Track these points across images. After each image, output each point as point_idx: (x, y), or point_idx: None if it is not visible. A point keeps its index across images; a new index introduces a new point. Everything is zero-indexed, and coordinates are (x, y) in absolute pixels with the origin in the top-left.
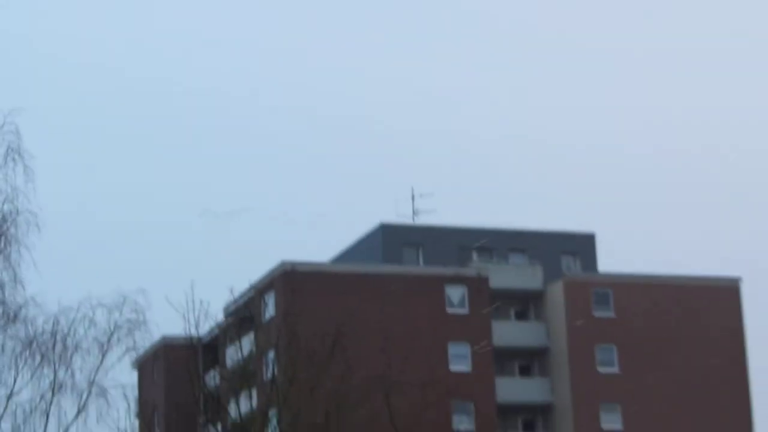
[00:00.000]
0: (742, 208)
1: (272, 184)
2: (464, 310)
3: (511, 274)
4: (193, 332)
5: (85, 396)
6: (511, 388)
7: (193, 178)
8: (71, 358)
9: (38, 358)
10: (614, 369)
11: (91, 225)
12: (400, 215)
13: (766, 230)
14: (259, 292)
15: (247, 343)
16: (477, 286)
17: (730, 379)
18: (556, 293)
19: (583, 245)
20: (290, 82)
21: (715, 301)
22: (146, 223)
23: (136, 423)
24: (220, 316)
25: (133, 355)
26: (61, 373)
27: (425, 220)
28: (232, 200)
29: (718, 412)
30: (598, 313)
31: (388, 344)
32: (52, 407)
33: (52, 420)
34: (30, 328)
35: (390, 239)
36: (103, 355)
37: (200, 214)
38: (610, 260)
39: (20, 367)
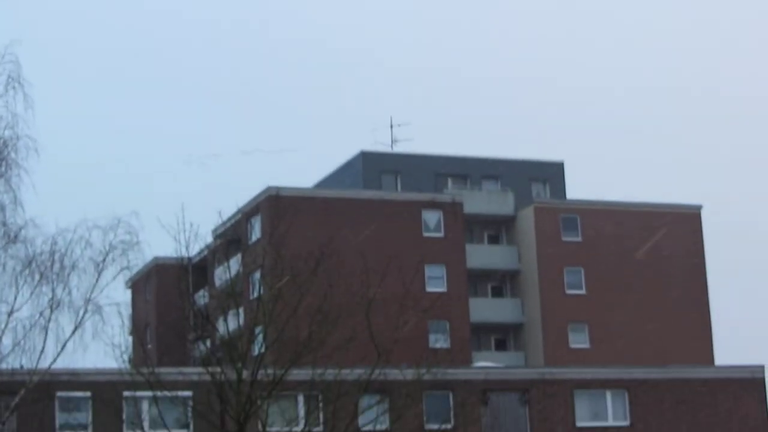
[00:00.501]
0: (704, 140)
1: (257, 115)
2: (440, 234)
3: (484, 200)
4: (184, 253)
5: (81, 313)
6: (484, 309)
7: (184, 115)
8: (68, 277)
9: (37, 276)
10: (581, 291)
11: (87, 152)
12: (379, 143)
13: (727, 161)
14: (245, 215)
15: (235, 263)
16: (452, 211)
17: (690, 301)
18: (527, 218)
19: (552, 173)
20: (272, 15)
21: (678, 227)
22: (139, 152)
23: (130, 339)
24: (209, 239)
25: (127, 274)
26: (59, 291)
27: (403, 148)
28: (218, 135)
29: (680, 332)
30: (567, 238)
31: (367, 265)
32: (51, 324)
33: (51, 336)
34: (29, 248)
35: (370, 166)
36: (99, 275)
37: (185, 160)
38: (578, 188)
39: (20, 285)
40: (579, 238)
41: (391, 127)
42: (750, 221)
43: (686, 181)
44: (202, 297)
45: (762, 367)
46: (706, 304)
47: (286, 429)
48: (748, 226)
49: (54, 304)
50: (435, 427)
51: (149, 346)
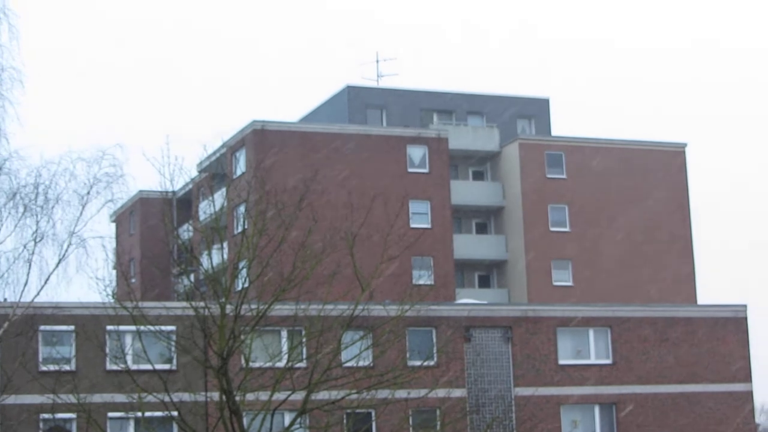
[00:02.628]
0: (689, 80)
1: (245, 51)
2: (424, 170)
3: (469, 136)
4: (168, 187)
5: (65, 246)
6: (468, 245)
7: (171, 45)
8: (52, 209)
9: (21, 209)
10: (566, 228)
11: (72, 84)
12: (365, 78)
13: (711, 102)
14: (231, 149)
15: (219, 198)
16: (437, 146)
17: (674, 239)
18: (512, 155)
19: (538, 109)
20: None
21: (662, 165)
22: (125, 85)
23: (114, 273)
24: (194, 172)
25: (111, 207)
26: (42, 224)
27: (389, 83)
28: (207, 65)
29: (663, 270)
30: (551, 174)
31: (351, 200)
32: (35, 256)
33: (35, 268)
34: (14, 180)
35: (355, 101)
36: (83, 207)
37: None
38: (563, 125)
39: (4, 217)
40: (564, 175)
41: (377, 61)
42: (733, 160)
43: (671, 119)
44: (186, 231)
45: (744, 306)
46: (690, 243)
47: (269, 364)
48: (732, 165)
49: (38, 237)
50: (418, 363)
51: (133, 280)
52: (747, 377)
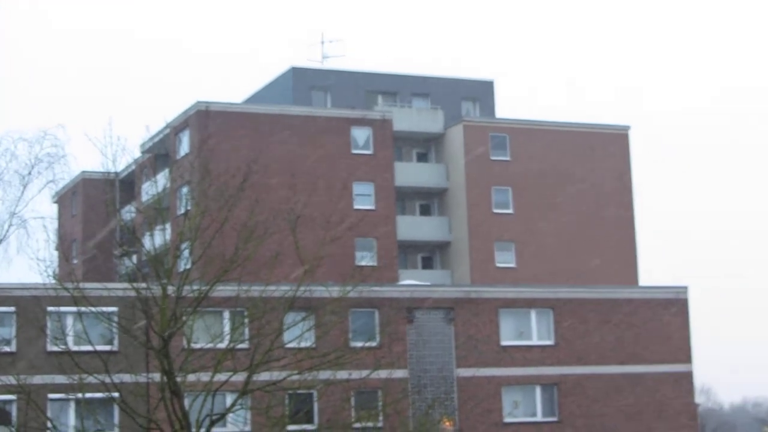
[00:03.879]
0: (633, 61)
1: (195, 29)
2: (368, 151)
3: (413, 118)
4: (111, 168)
5: (6, 227)
6: (412, 227)
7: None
8: None
9: None
10: (509, 210)
11: (13, 64)
12: (310, 60)
13: (656, 82)
14: (174, 130)
15: (163, 178)
16: (381, 128)
17: (617, 221)
18: (456, 137)
19: (482, 91)
20: None
21: (605, 147)
22: (68, 65)
23: (55, 254)
24: (137, 153)
25: (53, 188)
26: None
27: (334, 64)
28: (152, 45)
29: (605, 252)
30: (495, 157)
31: (295, 181)
32: None
33: None
34: None
35: (300, 82)
36: (24, 188)
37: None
38: (508, 107)
39: None
40: (508, 157)
41: (322, 43)
42: (676, 143)
43: (615, 102)
44: (128, 212)
45: (685, 288)
46: (632, 225)
47: (211, 345)
48: (675, 147)
49: None
50: (360, 344)
51: (75, 261)
52: (687, 358)
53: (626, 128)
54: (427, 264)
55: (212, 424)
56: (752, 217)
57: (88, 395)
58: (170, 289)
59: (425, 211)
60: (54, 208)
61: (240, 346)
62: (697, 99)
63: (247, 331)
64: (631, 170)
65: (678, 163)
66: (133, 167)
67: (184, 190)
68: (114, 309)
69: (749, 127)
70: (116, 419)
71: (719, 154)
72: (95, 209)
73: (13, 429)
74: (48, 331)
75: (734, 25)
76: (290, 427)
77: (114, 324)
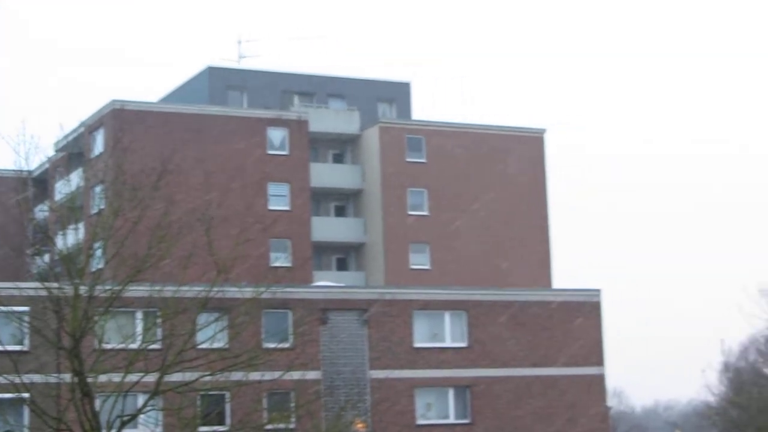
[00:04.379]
0: (549, 63)
1: (110, 26)
2: (284, 152)
3: (330, 119)
4: (24, 166)
5: None
6: (327, 228)
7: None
8: None
9: None
10: (424, 212)
11: None
12: (226, 59)
13: (571, 85)
14: (88, 129)
15: (76, 177)
16: (297, 128)
17: (531, 224)
18: (372, 138)
19: (398, 93)
20: None
21: (521, 150)
22: None
23: None
24: (50, 152)
25: None
26: None
27: (250, 64)
28: (67, 42)
29: (520, 255)
30: (411, 158)
31: (210, 182)
32: None
33: None
34: None
35: (216, 82)
36: None
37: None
38: (424, 109)
39: None
40: (423, 159)
41: (239, 42)
42: (592, 145)
43: (530, 105)
44: (41, 211)
45: (598, 291)
46: (546, 228)
47: (122, 345)
48: (589, 150)
49: None
50: (273, 345)
51: None
52: (599, 361)
53: (541, 131)
54: (342, 265)
55: (123, 425)
56: (668, 218)
57: None
58: (82, 289)
59: (340, 212)
60: None
61: (152, 346)
62: (612, 103)
63: (159, 331)
64: (545, 173)
65: (593, 166)
66: (47, 166)
67: (98, 189)
68: (25, 308)
69: (663, 132)
70: (26, 420)
71: (633, 161)
72: (7, 208)
73: None
74: None
75: (648, 26)
76: (202, 429)
77: (25, 323)
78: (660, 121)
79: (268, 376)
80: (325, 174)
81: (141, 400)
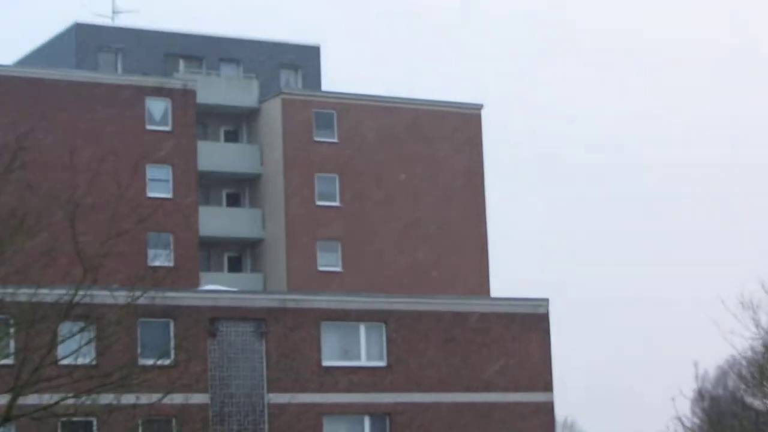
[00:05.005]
0: (483, 35)
1: None
2: (167, 128)
3: (222, 88)
4: None
5: None
6: (217, 220)
7: None
8: None
9: None
10: (335, 202)
11: None
12: (98, 15)
13: (508, 59)
14: None
15: None
16: (182, 99)
17: (464, 218)
18: (273, 112)
19: (306, 59)
20: None
21: (453, 129)
22: None
23: None
24: None
25: None
26: None
27: (126, 21)
28: None
29: (450, 254)
30: (320, 138)
31: (76, 162)
32: None
33: None
34: None
35: (85, 42)
36: None
37: None
38: (337, 79)
39: None
40: (335, 139)
41: None
42: (530, 126)
43: (464, 78)
44: None
45: (546, 301)
46: (483, 224)
47: None
48: (528, 130)
49: None
50: (150, 362)
51: None
52: (547, 385)
53: (479, 107)
54: (235, 266)
55: None
56: (628, 212)
57: None
58: None
59: (234, 201)
60: None
61: (3, 362)
62: (552, 79)
63: (12, 343)
64: (483, 158)
65: (531, 150)
66: None
67: None
68: None
69: (606, 126)
70: None
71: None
72: None
73: None
74: None
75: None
76: None
77: None
78: (605, 105)
79: (145, 399)
80: (216, 155)
81: None
